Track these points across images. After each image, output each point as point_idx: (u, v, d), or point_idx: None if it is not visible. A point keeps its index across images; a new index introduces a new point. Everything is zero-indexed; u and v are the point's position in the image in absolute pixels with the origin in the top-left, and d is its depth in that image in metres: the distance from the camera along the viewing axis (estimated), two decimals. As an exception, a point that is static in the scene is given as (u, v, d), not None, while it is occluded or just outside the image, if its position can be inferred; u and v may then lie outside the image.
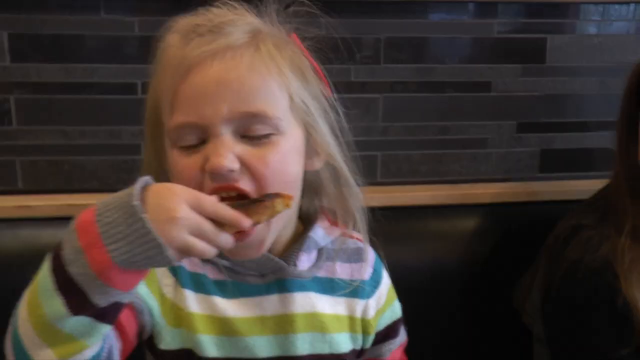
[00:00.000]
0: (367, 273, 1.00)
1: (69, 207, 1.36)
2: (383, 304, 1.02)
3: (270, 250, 0.90)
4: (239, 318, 0.90)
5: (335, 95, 0.93)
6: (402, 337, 1.06)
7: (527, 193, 1.52)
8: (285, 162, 0.85)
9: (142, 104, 1.37)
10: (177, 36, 0.86)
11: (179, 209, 0.72)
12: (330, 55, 0.95)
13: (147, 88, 1.36)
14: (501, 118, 1.55)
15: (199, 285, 0.90)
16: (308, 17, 0.93)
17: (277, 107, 0.84)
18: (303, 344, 0.92)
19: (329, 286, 0.96)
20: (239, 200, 0.81)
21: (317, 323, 0.93)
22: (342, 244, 0.99)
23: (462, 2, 1.48)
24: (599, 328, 1.11)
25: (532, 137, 1.58)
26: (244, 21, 0.87)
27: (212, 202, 0.74)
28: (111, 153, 1.43)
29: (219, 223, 0.74)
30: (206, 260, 0.91)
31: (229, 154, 0.81)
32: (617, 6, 1.55)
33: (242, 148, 0.82)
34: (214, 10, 0.88)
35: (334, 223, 0.98)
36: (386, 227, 0.99)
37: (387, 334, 1.03)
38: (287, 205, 0.80)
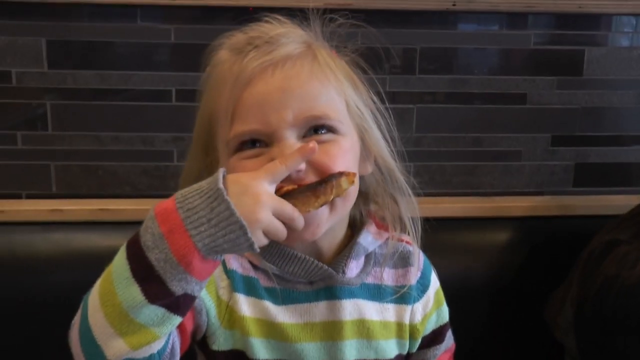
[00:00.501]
0: (414, 277, 1.00)
1: (101, 211, 1.38)
2: (430, 308, 1.02)
3: (319, 258, 0.92)
4: (289, 324, 0.91)
5: (381, 105, 0.95)
6: (447, 342, 1.06)
7: (560, 207, 1.51)
8: (347, 160, 0.87)
9: (176, 111, 1.41)
10: (229, 52, 0.90)
11: (262, 190, 0.76)
12: (366, 65, 0.96)
13: (181, 95, 1.39)
14: (536, 131, 1.54)
15: (251, 289, 0.91)
16: (346, 28, 0.94)
17: (337, 111, 0.88)
18: (350, 350, 0.94)
19: (377, 292, 0.97)
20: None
21: (364, 330, 0.95)
22: (392, 247, 0.99)
23: (497, 13, 1.47)
24: (633, 344, 1.10)
25: (566, 150, 1.56)
26: (295, 34, 0.90)
27: (280, 166, 0.78)
28: (144, 159, 1.44)
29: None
30: (256, 267, 0.92)
31: None
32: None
33: None
34: (264, 24, 0.91)
35: (381, 226, 0.99)
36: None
37: (433, 338, 1.03)
38: (352, 183, 0.84)
